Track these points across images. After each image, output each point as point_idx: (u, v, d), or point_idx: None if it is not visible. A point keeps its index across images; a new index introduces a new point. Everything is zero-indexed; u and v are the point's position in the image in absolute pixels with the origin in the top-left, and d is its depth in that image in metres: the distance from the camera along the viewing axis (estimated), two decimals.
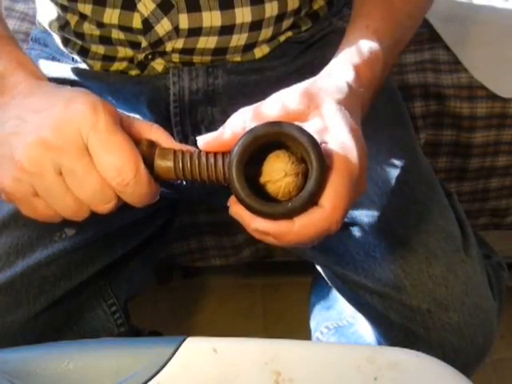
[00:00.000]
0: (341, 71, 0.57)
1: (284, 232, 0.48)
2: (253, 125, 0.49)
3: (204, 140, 0.51)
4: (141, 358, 0.49)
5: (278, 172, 0.48)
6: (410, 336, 0.68)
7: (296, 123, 0.49)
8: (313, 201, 0.47)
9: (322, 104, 0.51)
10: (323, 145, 0.49)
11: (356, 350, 0.51)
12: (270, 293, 1.32)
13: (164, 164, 0.50)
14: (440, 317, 0.66)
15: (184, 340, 0.49)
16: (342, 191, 0.48)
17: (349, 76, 0.56)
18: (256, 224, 0.48)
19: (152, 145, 0.51)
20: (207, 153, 0.50)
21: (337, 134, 0.49)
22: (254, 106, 0.52)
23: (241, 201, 0.48)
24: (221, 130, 0.51)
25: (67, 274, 0.67)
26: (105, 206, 0.50)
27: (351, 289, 0.73)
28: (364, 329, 0.84)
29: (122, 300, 0.75)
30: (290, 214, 0.47)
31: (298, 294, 1.23)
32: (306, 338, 1.08)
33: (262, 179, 0.49)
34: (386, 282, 0.67)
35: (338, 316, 1.01)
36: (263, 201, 0.48)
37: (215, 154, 0.50)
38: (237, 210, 0.49)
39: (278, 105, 0.51)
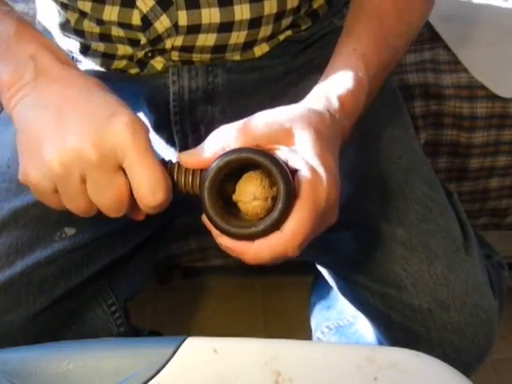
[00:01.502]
0: (325, 100, 0.57)
1: (243, 250, 0.50)
2: (233, 144, 0.51)
3: (184, 157, 0.53)
4: (141, 358, 0.49)
5: (247, 194, 0.50)
6: (411, 335, 0.68)
7: (273, 147, 0.51)
8: (275, 229, 0.49)
9: (301, 132, 0.52)
10: (295, 172, 0.50)
11: (356, 350, 0.51)
12: (270, 293, 1.32)
13: None
14: (441, 316, 0.66)
15: (184, 340, 0.49)
16: (305, 220, 0.49)
17: (332, 106, 0.56)
18: (220, 239, 0.51)
19: None
20: (186, 168, 0.53)
21: (309, 163, 0.50)
22: (236, 123, 0.53)
23: (209, 219, 0.50)
24: (200, 148, 0.52)
25: (67, 273, 0.67)
26: (114, 215, 0.53)
27: (352, 288, 0.73)
28: (365, 328, 0.84)
29: (121, 300, 0.75)
30: (251, 238, 0.49)
31: (298, 293, 1.23)
32: (306, 338, 1.08)
33: (234, 197, 0.51)
34: (386, 282, 0.67)
35: (338, 316, 1.01)
36: (229, 220, 0.50)
37: (193, 170, 0.52)
38: (206, 221, 0.52)
39: (258, 127, 0.52)
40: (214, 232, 0.51)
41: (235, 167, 0.50)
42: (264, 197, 0.49)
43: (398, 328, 0.69)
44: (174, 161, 0.54)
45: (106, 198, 0.51)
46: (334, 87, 0.58)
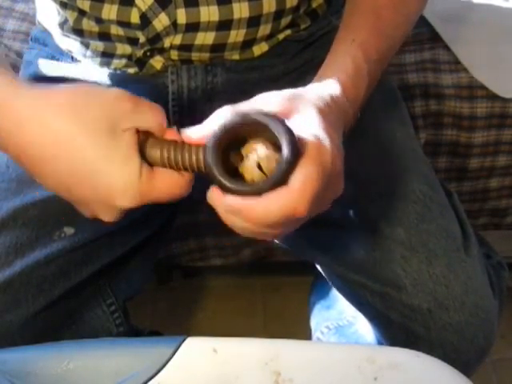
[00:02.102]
0: (326, 85, 0.57)
1: (251, 207, 0.49)
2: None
3: (187, 132, 0.53)
4: (141, 358, 0.49)
5: (252, 158, 0.50)
6: (411, 336, 0.68)
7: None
8: (282, 182, 0.48)
9: (303, 109, 0.52)
10: (299, 135, 0.50)
11: (356, 350, 0.51)
12: (270, 293, 1.32)
13: (153, 153, 0.53)
14: (440, 316, 0.66)
15: (184, 340, 0.49)
16: (312, 176, 0.48)
17: (334, 91, 0.57)
18: (227, 200, 0.50)
19: (147, 134, 0.54)
20: (190, 145, 0.53)
21: (314, 130, 0.50)
22: (239, 104, 0.53)
23: (214, 179, 0.50)
24: (203, 124, 0.53)
25: (66, 273, 0.67)
26: None
27: (351, 288, 0.73)
28: (364, 328, 0.84)
29: (121, 300, 0.75)
30: (258, 193, 0.49)
31: (298, 293, 1.22)
32: (306, 337, 1.08)
33: (240, 168, 0.51)
34: (386, 282, 0.67)
35: (338, 315, 1.01)
36: (235, 181, 0.50)
37: (198, 146, 0.53)
38: (211, 195, 0.51)
39: (260, 106, 0.52)
40: (220, 197, 0.50)
41: (239, 136, 0.50)
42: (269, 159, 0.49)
43: (397, 328, 0.69)
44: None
45: None
46: (335, 74, 0.59)
